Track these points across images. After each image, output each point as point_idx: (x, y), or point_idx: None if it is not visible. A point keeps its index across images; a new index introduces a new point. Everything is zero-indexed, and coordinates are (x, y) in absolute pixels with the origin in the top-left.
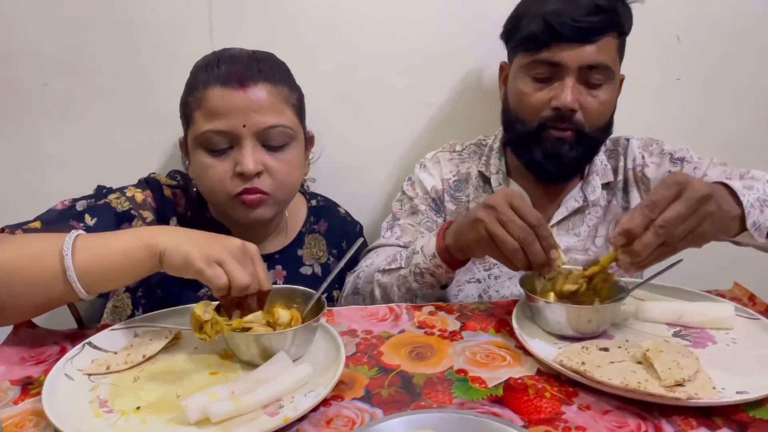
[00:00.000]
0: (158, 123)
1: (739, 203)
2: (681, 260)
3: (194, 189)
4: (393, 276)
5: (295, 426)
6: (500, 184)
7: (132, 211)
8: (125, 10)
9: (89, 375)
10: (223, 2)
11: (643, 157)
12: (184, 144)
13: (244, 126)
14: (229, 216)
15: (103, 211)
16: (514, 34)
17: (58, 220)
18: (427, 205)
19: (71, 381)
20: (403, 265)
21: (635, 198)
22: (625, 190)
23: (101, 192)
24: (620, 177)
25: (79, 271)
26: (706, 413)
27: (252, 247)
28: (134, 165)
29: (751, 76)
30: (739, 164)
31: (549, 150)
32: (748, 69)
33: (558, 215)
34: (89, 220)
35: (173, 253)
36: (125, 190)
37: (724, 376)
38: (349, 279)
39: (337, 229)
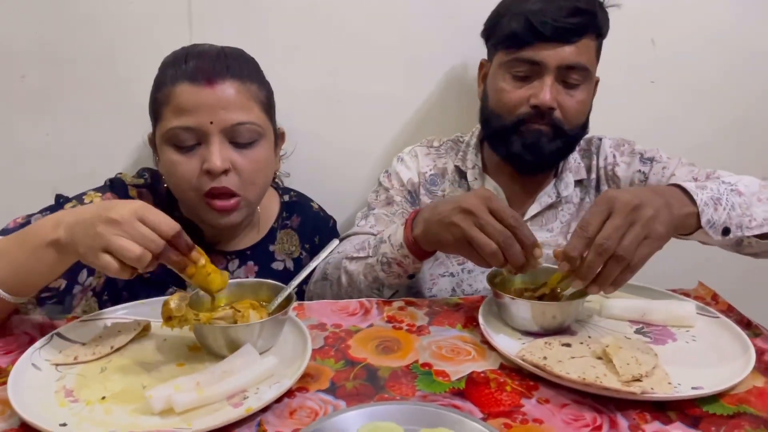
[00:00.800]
0: (135, 116)
1: (694, 202)
2: None
3: (164, 186)
4: (360, 264)
5: (259, 417)
6: (476, 178)
7: None
8: (103, 2)
9: (56, 365)
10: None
11: (614, 156)
12: (152, 140)
13: (211, 123)
14: (199, 217)
15: None
16: (495, 31)
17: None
18: (402, 196)
19: (38, 371)
20: (370, 254)
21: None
22: (597, 189)
23: (58, 202)
24: (593, 175)
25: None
26: (660, 407)
27: (135, 204)
28: (110, 158)
29: (721, 80)
30: (710, 165)
31: (528, 141)
32: (719, 73)
33: (532, 210)
34: None
35: (71, 249)
36: (83, 197)
37: (681, 372)
38: (320, 265)
39: (310, 224)
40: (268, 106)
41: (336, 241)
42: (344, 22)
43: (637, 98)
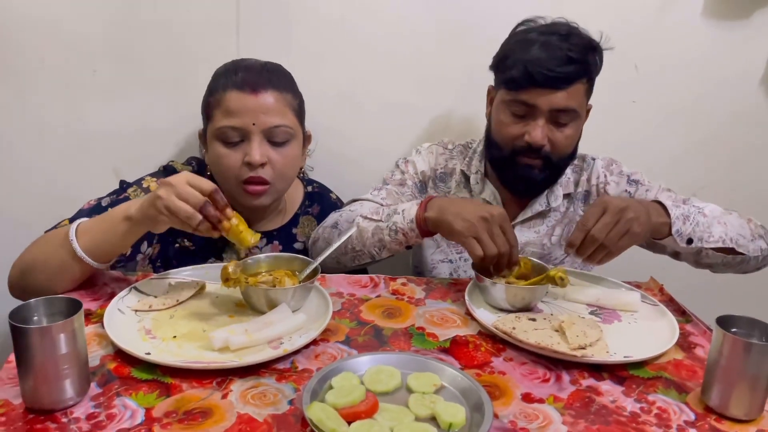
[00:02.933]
0: (186, 112)
1: (669, 215)
2: None
3: (208, 173)
4: (372, 224)
5: (292, 357)
6: (477, 183)
7: None
8: (165, 11)
9: (136, 311)
10: (248, 11)
11: (605, 176)
12: (203, 135)
13: (254, 124)
14: (235, 199)
15: None
16: (500, 69)
17: (84, 217)
18: (413, 182)
19: (122, 315)
20: (383, 219)
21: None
22: (585, 201)
23: (122, 187)
24: (580, 189)
25: (84, 249)
26: (597, 369)
27: (184, 172)
28: (163, 146)
29: (695, 101)
30: (682, 176)
31: (519, 173)
32: (693, 95)
33: (523, 215)
34: None
35: (142, 221)
36: (142, 182)
37: (618, 344)
38: (333, 215)
39: (328, 213)
40: (300, 112)
41: (354, 228)
42: (367, 36)
43: (619, 115)
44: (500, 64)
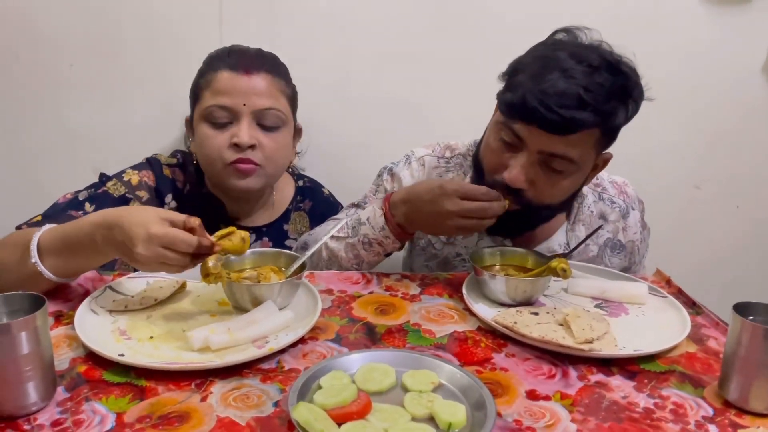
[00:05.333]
0: (169, 104)
1: None
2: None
3: (194, 162)
4: (341, 243)
5: (278, 357)
6: None
7: (127, 195)
8: (143, 2)
9: (110, 312)
10: (232, 1)
11: (641, 233)
12: (189, 121)
13: (244, 105)
14: (222, 185)
15: (101, 199)
16: (504, 87)
17: (58, 213)
18: None
19: (96, 315)
20: (350, 234)
21: (617, 262)
22: (618, 253)
23: (101, 180)
24: (611, 235)
25: (52, 272)
26: (606, 364)
27: (151, 243)
28: (146, 140)
29: (693, 93)
30: (687, 170)
31: None
32: (691, 87)
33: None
34: (89, 208)
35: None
36: (122, 175)
37: (627, 338)
38: (302, 237)
39: (320, 208)
40: (293, 101)
41: (344, 220)
42: (357, 30)
43: None
44: (507, 77)
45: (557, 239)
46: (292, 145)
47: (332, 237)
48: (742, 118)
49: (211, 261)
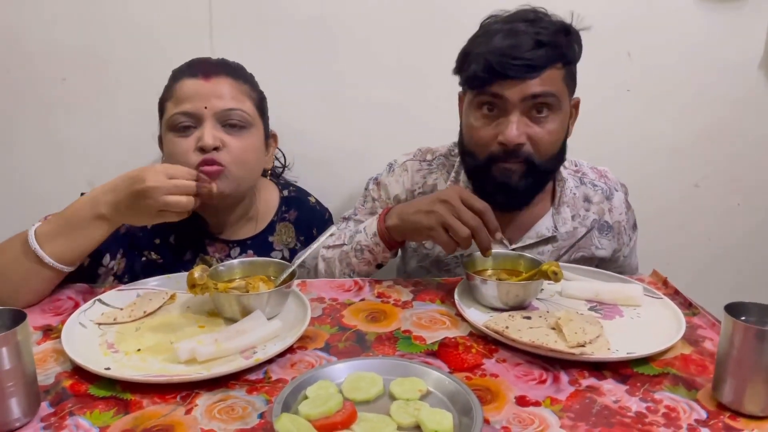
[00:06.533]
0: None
1: None
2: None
3: None
4: (336, 251)
5: (265, 367)
6: None
7: None
8: (135, 15)
9: (99, 324)
10: (222, 11)
11: (626, 212)
12: (160, 138)
13: (205, 108)
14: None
15: None
16: (462, 70)
17: None
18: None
19: (84, 329)
20: (346, 242)
21: (606, 244)
22: (606, 234)
23: None
24: (596, 217)
25: (52, 256)
26: (598, 368)
27: (156, 166)
28: (138, 153)
29: (691, 88)
30: (687, 169)
31: (498, 180)
32: (688, 82)
33: (525, 240)
34: None
35: (119, 220)
36: None
37: (621, 341)
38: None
39: (306, 218)
40: (260, 105)
41: (332, 228)
42: (345, 38)
43: (614, 106)
44: (462, 64)
45: (544, 223)
46: (263, 150)
47: (329, 246)
48: (739, 114)
49: (197, 272)
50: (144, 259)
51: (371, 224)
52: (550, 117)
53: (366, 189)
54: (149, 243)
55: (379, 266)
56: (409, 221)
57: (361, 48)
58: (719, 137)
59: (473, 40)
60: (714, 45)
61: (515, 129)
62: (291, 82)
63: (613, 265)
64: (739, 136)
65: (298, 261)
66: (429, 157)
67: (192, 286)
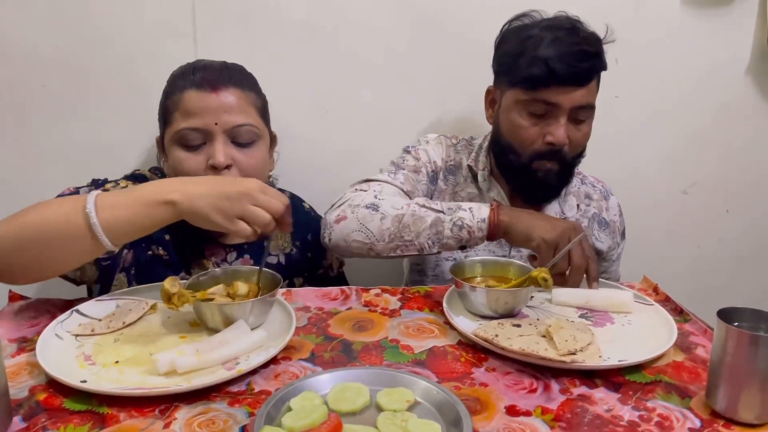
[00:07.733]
0: (144, 122)
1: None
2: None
3: None
4: (431, 214)
5: (248, 378)
6: (485, 180)
7: None
8: (117, 19)
9: (76, 336)
10: (205, 14)
11: (620, 216)
12: (160, 142)
13: (216, 124)
14: None
15: None
16: (512, 69)
17: None
18: (426, 172)
19: (60, 340)
20: (445, 211)
21: (604, 238)
22: (604, 229)
23: (98, 182)
24: (596, 211)
25: (104, 226)
26: (589, 375)
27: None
28: (121, 160)
29: (678, 94)
30: (676, 175)
31: (538, 179)
32: (676, 88)
33: None
34: None
35: (189, 213)
36: (119, 182)
37: (612, 348)
38: (359, 195)
39: (301, 224)
40: (264, 112)
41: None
42: (334, 36)
43: (602, 112)
44: (511, 63)
45: (552, 209)
46: (269, 157)
47: (423, 206)
48: (727, 120)
49: (167, 283)
50: (150, 252)
51: (480, 208)
52: (586, 122)
53: (406, 152)
54: (157, 238)
55: (463, 248)
56: (529, 225)
57: (349, 52)
58: (707, 144)
59: (520, 42)
60: (701, 51)
61: (563, 132)
62: (278, 87)
63: (605, 263)
64: (727, 143)
65: (262, 263)
66: (454, 141)
67: (168, 299)
